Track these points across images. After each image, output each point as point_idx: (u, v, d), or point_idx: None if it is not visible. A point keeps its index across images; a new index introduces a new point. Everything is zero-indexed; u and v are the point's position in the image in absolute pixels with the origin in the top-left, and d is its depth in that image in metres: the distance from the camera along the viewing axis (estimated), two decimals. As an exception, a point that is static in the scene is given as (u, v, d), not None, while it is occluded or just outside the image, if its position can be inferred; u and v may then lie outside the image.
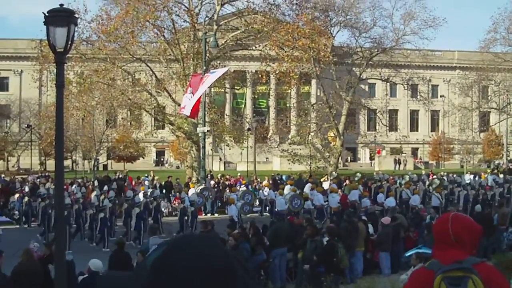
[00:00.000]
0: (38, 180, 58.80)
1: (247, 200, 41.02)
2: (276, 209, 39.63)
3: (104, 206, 36.11)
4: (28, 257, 17.43)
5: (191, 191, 43.71)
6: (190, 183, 49.68)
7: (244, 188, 48.78)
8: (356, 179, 56.95)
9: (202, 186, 45.75)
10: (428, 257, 19.72)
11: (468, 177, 61.05)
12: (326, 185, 48.50)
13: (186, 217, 36.71)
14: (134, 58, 55.66)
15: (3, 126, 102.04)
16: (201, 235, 2.63)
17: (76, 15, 13.69)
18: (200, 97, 40.83)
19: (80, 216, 36.14)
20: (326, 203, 40.66)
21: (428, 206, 40.71)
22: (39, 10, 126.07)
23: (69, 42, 12.57)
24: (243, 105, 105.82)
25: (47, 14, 12.72)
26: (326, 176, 58.37)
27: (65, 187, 33.28)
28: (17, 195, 44.83)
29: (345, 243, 21.22)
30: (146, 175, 60.04)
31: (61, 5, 13.26)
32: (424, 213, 32.82)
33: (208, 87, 44.72)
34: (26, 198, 42.38)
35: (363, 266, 23.55)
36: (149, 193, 44.73)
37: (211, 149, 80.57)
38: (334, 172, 62.41)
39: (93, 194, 44.49)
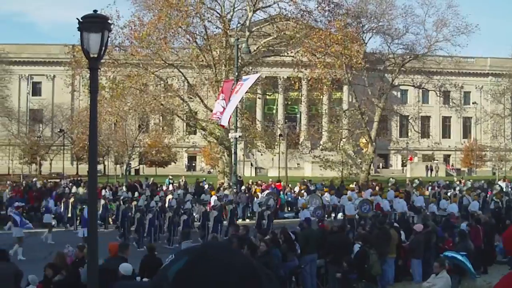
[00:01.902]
0: (70, 184, 59.24)
1: (314, 205, 41.03)
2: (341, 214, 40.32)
3: (152, 208, 36.70)
4: (60, 261, 17.59)
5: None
6: (211, 190, 49.83)
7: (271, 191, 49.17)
8: (414, 185, 57.16)
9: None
10: (456, 263, 19.63)
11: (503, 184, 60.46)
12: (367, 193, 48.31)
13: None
14: (167, 64, 55.87)
15: (36, 131, 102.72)
16: (223, 245, 2.59)
17: (109, 21, 13.76)
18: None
19: (125, 217, 36.69)
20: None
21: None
22: (69, 16, 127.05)
23: (103, 48, 12.63)
24: (274, 111, 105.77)
25: (81, 20, 12.81)
26: (355, 183, 58.27)
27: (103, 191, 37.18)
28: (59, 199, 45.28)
29: (378, 250, 21.14)
30: (170, 177, 60.95)
31: (95, 11, 13.34)
32: (455, 220, 32.61)
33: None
34: (103, 201, 42.48)
35: (395, 273, 23.45)
36: (177, 197, 44.96)
37: (243, 155, 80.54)
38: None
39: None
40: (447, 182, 63.27)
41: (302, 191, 51.05)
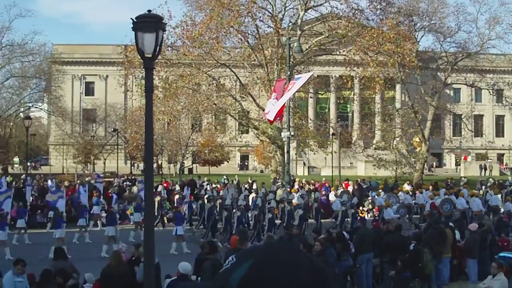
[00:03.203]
0: (124, 183, 59.70)
1: (392, 203, 40.89)
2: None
3: (240, 205, 36.89)
4: (117, 260, 17.71)
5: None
6: (292, 188, 49.82)
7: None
8: (488, 184, 56.87)
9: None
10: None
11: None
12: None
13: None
14: (219, 64, 56.12)
15: (89, 130, 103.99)
16: (287, 245, 2.47)
17: (163, 21, 13.80)
18: (285, 102, 40.84)
19: (211, 216, 37.13)
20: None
21: None
22: (121, 17, 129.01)
23: (158, 48, 12.68)
24: (326, 110, 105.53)
25: (135, 20, 12.87)
26: (407, 183, 57.87)
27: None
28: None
29: (432, 249, 20.92)
30: (225, 177, 61.33)
31: (149, 11, 13.39)
32: (507, 218, 32.26)
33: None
34: (158, 199, 42.80)
35: (450, 273, 23.20)
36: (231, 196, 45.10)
37: (295, 154, 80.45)
38: (491, 179, 62.37)
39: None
40: (500, 181, 62.68)
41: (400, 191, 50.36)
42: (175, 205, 44.29)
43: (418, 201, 44.64)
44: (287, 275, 2.15)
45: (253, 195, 44.90)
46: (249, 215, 37.62)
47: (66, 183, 57.64)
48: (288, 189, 46.65)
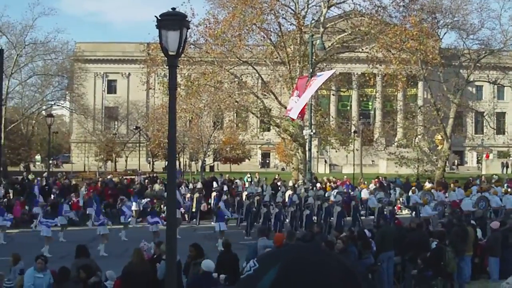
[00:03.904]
0: (146, 180, 59.88)
1: (428, 201, 40.81)
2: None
3: (278, 202, 37.14)
4: (138, 257, 17.79)
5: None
6: (327, 187, 50.00)
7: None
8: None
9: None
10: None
11: None
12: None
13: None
14: (241, 61, 56.10)
15: (111, 128, 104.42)
16: (314, 246, 2.43)
17: (187, 19, 13.83)
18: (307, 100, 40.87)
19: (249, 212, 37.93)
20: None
21: None
22: (144, 15, 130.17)
23: (181, 46, 12.74)
24: (348, 108, 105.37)
25: (159, 18, 12.93)
26: (428, 180, 57.70)
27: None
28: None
29: (455, 248, 20.87)
30: (249, 175, 61.35)
31: (173, 8, 13.42)
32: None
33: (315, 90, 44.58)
34: (224, 197, 43.45)
35: (471, 271, 23.12)
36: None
37: (317, 152, 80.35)
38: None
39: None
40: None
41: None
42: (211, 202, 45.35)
43: (451, 199, 44.46)
44: (317, 277, 2.12)
45: (289, 192, 44.91)
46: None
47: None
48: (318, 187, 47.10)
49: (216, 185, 51.35)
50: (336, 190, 45.75)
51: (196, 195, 45.04)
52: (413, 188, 49.51)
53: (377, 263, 21.38)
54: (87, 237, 30.81)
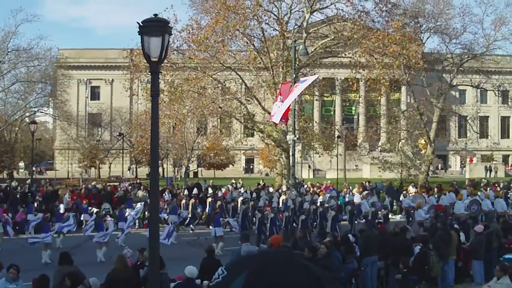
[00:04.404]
0: (130, 187, 59.74)
1: (421, 204, 40.91)
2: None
3: (274, 207, 37.22)
4: (122, 264, 17.72)
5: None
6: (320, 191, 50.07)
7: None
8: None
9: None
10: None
11: None
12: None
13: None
14: (224, 67, 56.05)
15: (95, 135, 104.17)
16: (280, 252, 2.43)
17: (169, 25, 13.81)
18: (290, 105, 40.89)
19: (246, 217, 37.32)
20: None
21: None
22: (127, 21, 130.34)
23: (164, 52, 12.73)
24: (332, 113, 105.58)
25: (141, 24, 12.91)
26: (412, 185, 57.88)
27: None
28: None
29: (439, 252, 20.94)
30: (233, 181, 61.25)
31: (155, 15, 13.40)
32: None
33: (298, 95, 44.64)
34: (219, 203, 43.79)
35: (455, 275, 23.21)
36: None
37: (300, 157, 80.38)
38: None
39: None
40: (506, 182, 62.63)
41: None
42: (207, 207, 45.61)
43: (442, 203, 44.55)
44: (284, 284, 2.14)
45: (283, 197, 44.92)
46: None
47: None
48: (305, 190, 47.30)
49: (198, 191, 51.32)
50: (328, 195, 45.84)
51: (192, 200, 45.04)
52: (404, 192, 49.67)
53: (360, 267, 21.40)
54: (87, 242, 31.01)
